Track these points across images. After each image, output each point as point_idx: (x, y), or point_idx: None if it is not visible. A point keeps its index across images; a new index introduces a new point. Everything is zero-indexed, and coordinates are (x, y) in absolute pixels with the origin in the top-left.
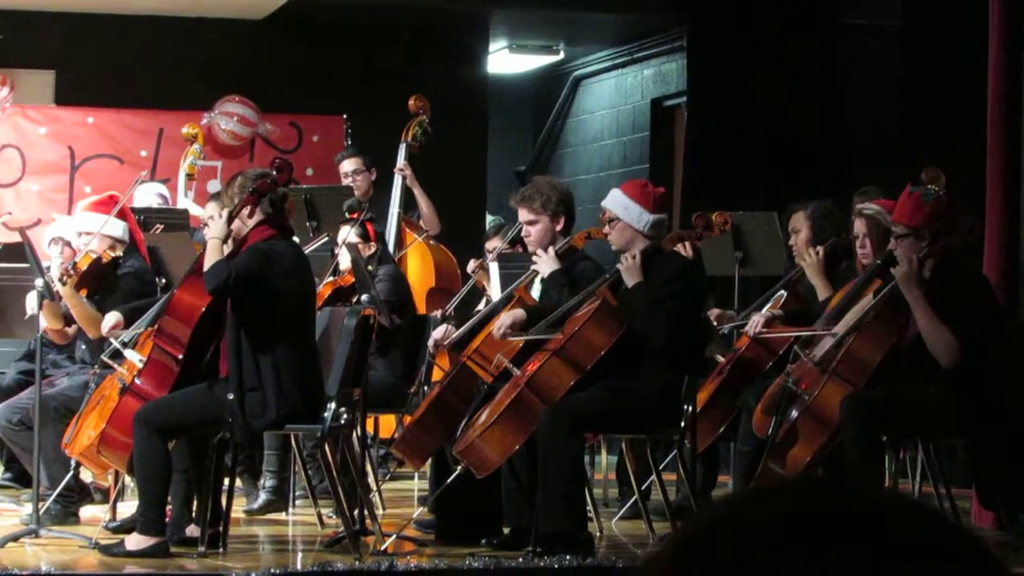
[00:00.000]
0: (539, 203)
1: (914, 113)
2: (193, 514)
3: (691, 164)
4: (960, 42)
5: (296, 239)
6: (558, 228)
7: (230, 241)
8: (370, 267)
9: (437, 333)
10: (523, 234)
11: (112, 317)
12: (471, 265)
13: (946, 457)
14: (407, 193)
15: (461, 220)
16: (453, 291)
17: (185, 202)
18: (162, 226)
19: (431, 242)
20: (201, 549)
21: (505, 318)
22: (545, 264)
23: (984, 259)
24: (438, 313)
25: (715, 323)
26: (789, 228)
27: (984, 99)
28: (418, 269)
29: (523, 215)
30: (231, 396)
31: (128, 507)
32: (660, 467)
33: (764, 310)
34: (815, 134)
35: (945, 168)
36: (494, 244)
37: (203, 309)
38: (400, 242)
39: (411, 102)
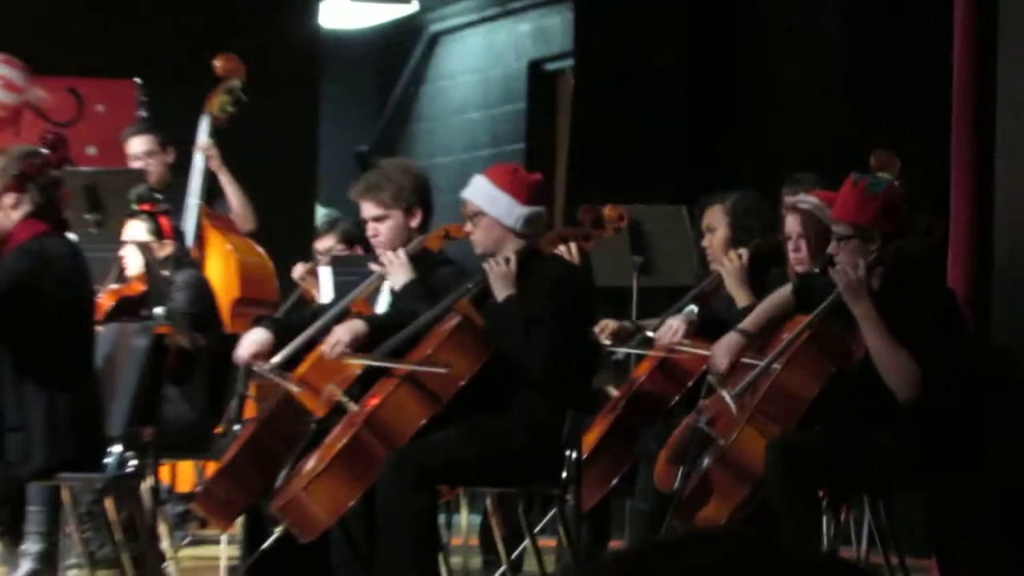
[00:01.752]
0: (389, 194)
1: (862, 82)
2: None
3: (578, 144)
4: None
5: (73, 236)
6: (413, 224)
7: None
8: (166, 272)
9: (245, 350)
10: (370, 234)
11: None
12: (297, 271)
13: (900, 518)
14: (212, 179)
15: (284, 214)
16: (267, 303)
17: None
18: None
19: (240, 241)
20: None
21: (341, 332)
22: (398, 272)
23: (948, 266)
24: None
25: (607, 343)
26: (703, 226)
27: (948, 65)
28: (223, 275)
29: (369, 210)
30: None
31: None
32: (535, 530)
33: (680, 317)
34: (735, 107)
35: (899, 152)
36: (326, 244)
37: None
38: (202, 241)
39: (218, 63)
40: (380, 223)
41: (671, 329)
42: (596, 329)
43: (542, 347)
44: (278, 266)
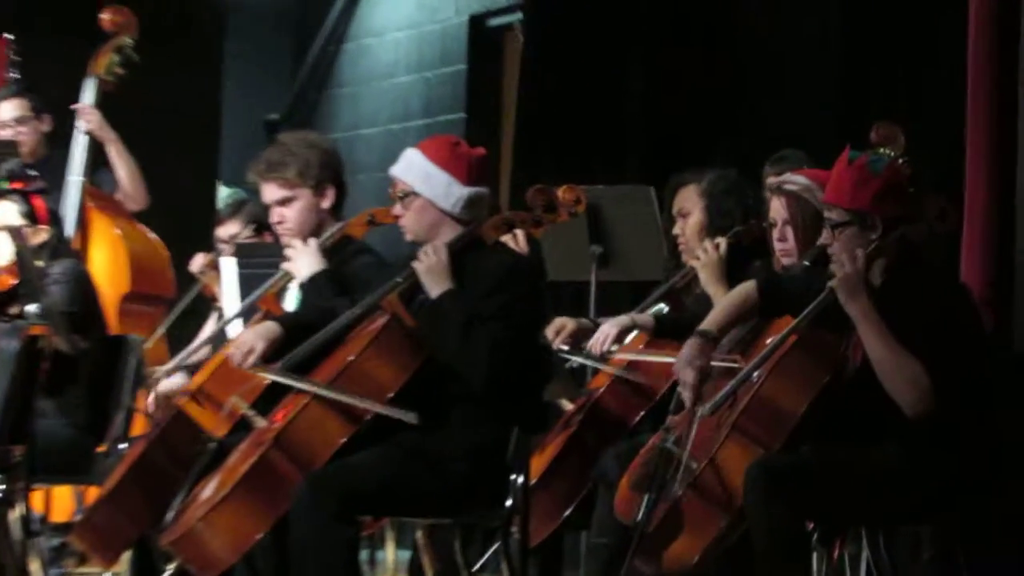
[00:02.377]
0: (294, 171)
1: (859, 39)
2: None
3: (528, 113)
4: None
5: None
6: (325, 205)
7: None
8: (40, 262)
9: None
10: (274, 220)
11: None
12: (196, 262)
13: (905, 554)
14: (97, 153)
15: (181, 194)
16: (162, 299)
17: None
18: None
19: (130, 227)
20: None
21: (253, 338)
22: (303, 261)
23: (961, 258)
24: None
25: (562, 347)
26: (674, 210)
27: (964, 15)
28: (109, 266)
29: (271, 192)
30: None
31: None
32: (475, 567)
33: (612, 322)
34: (712, 71)
35: (905, 125)
36: (231, 230)
37: None
38: (85, 226)
39: (105, 17)
40: (285, 207)
41: (601, 337)
42: (549, 331)
43: (483, 352)
44: (173, 256)
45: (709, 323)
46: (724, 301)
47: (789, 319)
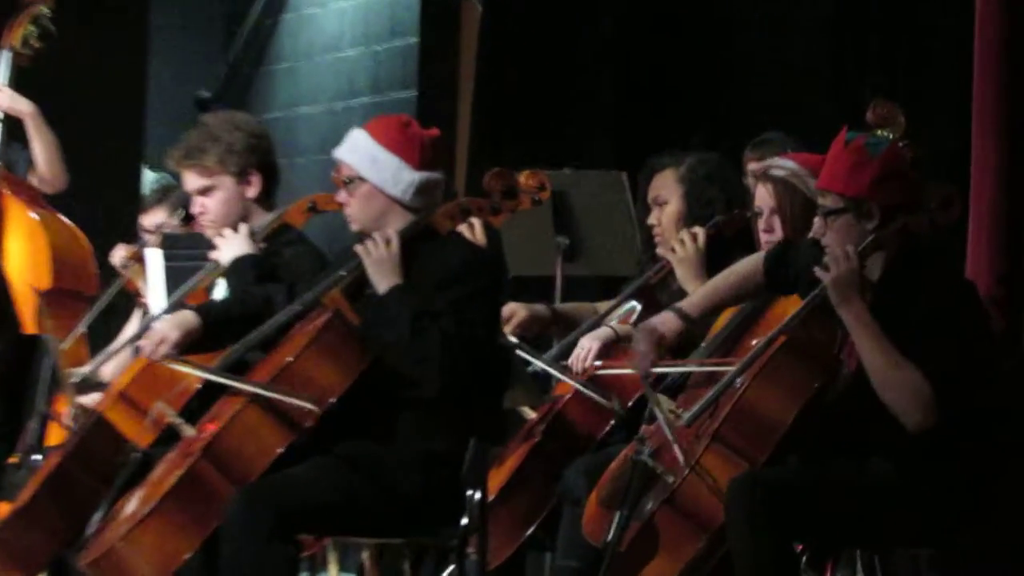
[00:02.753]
0: (214, 157)
1: (856, 15)
2: None
3: (487, 91)
4: None
5: None
6: (251, 194)
7: None
8: None
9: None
10: (196, 210)
11: None
12: (118, 254)
13: None
14: (10, 133)
15: (102, 180)
16: (83, 296)
17: None
18: None
19: (50, 216)
20: None
21: (166, 327)
22: (228, 246)
23: (968, 252)
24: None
25: (511, 340)
26: (649, 198)
27: None
28: (24, 259)
29: (191, 181)
30: None
31: None
32: None
33: (591, 336)
34: (690, 44)
35: (905, 104)
36: (156, 218)
37: None
38: None
39: None
40: (206, 196)
41: (582, 352)
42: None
43: (434, 352)
44: (93, 248)
45: (690, 303)
46: (719, 279)
47: (776, 318)
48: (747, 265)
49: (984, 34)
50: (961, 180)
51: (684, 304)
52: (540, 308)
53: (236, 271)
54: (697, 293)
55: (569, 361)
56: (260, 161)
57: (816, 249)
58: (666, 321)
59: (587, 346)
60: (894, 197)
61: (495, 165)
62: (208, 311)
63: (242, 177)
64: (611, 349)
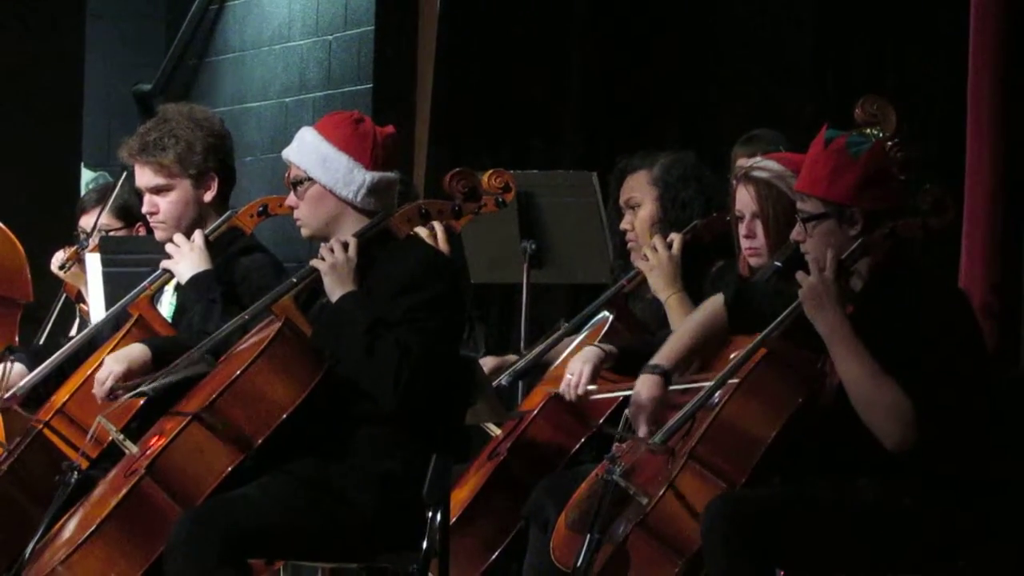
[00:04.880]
0: (172, 156)
1: (841, 6)
2: None
3: (447, 85)
4: None
5: None
6: (207, 198)
7: None
8: None
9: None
10: (146, 209)
11: None
12: (56, 259)
13: None
14: None
15: (36, 179)
16: (17, 303)
17: None
18: None
19: None
20: None
21: (112, 364)
22: (185, 260)
23: (961, 261)
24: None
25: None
26: (620, 200)
27: None
28: None
29: (146, 177)
30: None
31: None
32: None
33: (580, 359)
34: (667, 32)
35: (896, 99)
36: (95, 220)
37: None
38: None
39: None
40: (159, 196)
41: (575, 380)
42: None
43: (391, 364)
44: (29, 253)
45: (663, 355)
46: (684, 325)
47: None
48: (708, 310)
49: (978, 31)
50: (954, 182)
51: (659, 360)
52: (513, 360)
53: (196, 288)
54: (672, 340)
55: (560, 388)
56: (220, 164)
57: (782, 273)
58: (651, 389)
59: (579, 370)
60: (878, 201)
61: (456, 164)
62: (157, 345)
63: (200, 181)
64: (600, 370)
